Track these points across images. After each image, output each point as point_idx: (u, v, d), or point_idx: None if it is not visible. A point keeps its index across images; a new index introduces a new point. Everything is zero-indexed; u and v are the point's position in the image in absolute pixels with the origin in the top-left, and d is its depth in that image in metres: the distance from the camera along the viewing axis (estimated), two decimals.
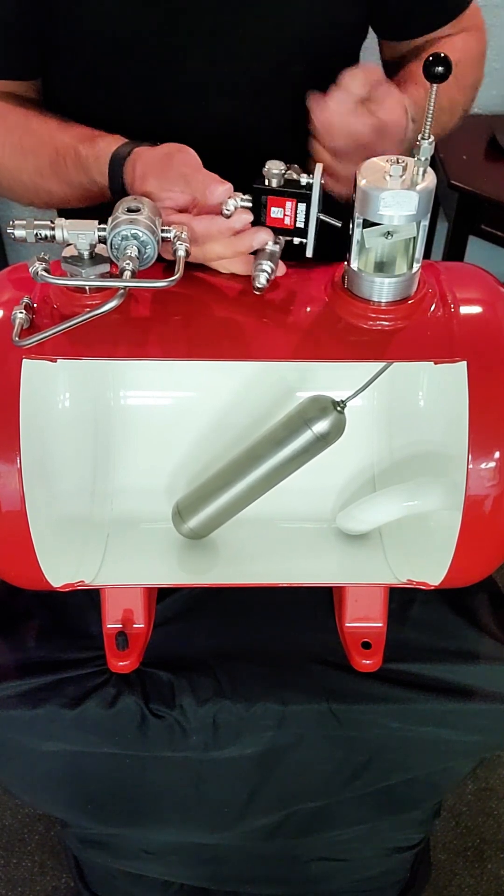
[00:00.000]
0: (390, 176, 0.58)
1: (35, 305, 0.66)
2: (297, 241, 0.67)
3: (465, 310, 0.66)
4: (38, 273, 0.63)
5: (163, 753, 0.80)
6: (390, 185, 0.58)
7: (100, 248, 0.65)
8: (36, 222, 0.64)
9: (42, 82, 0.88)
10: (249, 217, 0.65)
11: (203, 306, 0.68)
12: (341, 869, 1.06)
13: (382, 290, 0.64)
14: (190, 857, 1.03)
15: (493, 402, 0.63)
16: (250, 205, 0.65)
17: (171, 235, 0.65)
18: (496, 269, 0.76)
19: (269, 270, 0.65)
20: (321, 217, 0.65)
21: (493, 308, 0.67)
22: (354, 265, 0.64)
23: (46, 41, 0.83)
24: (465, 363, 0.63)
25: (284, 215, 0.65)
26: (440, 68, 0.54)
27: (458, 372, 0.64)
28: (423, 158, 0.58)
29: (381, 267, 0.65)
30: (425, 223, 0.61)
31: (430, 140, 0.57)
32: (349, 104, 0.69)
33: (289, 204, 0.64)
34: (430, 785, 0.91)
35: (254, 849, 1.01)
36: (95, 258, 0.64)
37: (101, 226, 0.63)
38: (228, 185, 0.66)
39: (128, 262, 0.62)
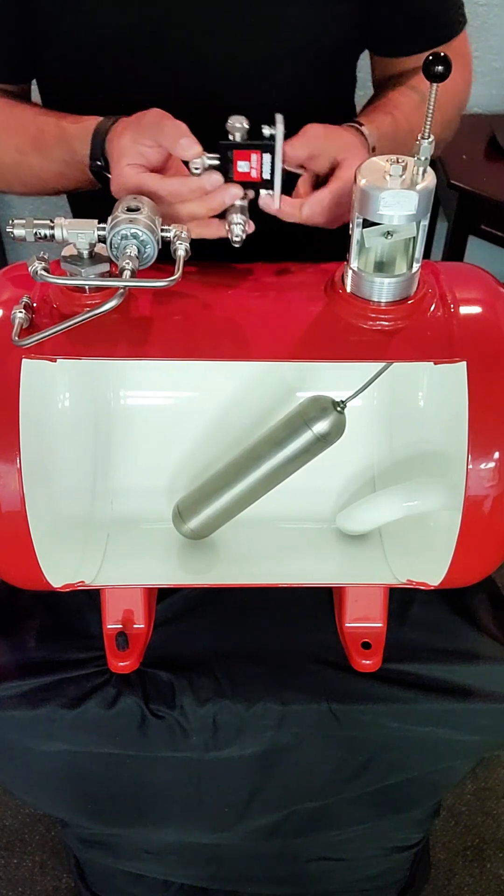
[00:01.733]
0: (390, 175, 0.58)
1: (34, 305, 0.66)
2: (264, 192, 0.68)
3: (464, 310, 0.66)
4: (37, 272, 0.63)
5: (163, 753, 0.80)
6: (390, 185, 0.58)
7: (99, 248, 0.64)
8: (35, 221, 0.64)
9: (38, 85, 0.90)
10: (220, 177, 0.66)
11: (203, 306, 0.68)
12: (341, 868, 1.06)
13: (382, 290, 0.64)
14: (190, 857, 1.03)
15: (493, 402, 0.63)
16: (217, 162, 0.66)
17: (171, 235, 0.65)
18: (496, 269, 0.76)
19: (242, 223, 0.67)
20: (286, 168, 0.67)
21: (493, 308, 0.67)
22: (354, 265, 0.64)
23: (37, 46, 0.84)
24: (464, 363, 0.63)
25: (251, 168, 0.66)
26: (440, 67, 0.54)
27: (458, 372, 0.64)
28: (422, 158, 0.58)
29: (381, 267, 0.65)
30: (425, 223, 0.61)
31: (430, 139, 0.57)
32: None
33: (254, 156, 0.65)
34: (430, 785, 0.91)
35: (254, 849, 1.01)
36: (95, 257, 0.64)
37: (101, 225, 0.63)
38: (198, 146, 0.66)
39: (127, 261, 0.62)
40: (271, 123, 0.65)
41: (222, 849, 1.01)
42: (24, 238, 0.65)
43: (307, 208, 0.70)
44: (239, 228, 0.67)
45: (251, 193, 0.68)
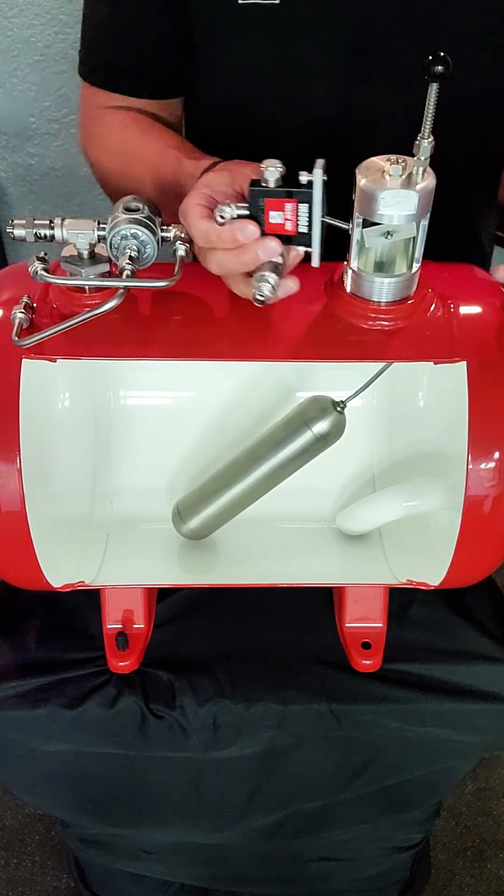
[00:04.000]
0: (390, 175, 0.58)
1: (34, 305, 0.66)
2: (301, 250, 0.61)
3: (464, 310, 0.66)
4: (37, 272, 0.63)
5: (163, 754, 0.80)
6: (390, 185, 0.58)
7: (99, 248, 0.64)
8: (35, 221, 0.64)
9: (185, 110, 0.89)
10: (256, 230, 0.58)
11: (203, 306, 0.68)
12: (341, 869, 1.06)
13: (382, 289, 0.64)
14: (190, 857, 1.03)
15: (493, 402, 0.63)
16: (247, 212, 0.59)
17: (171, 235, 0.65)
18: None
19: (273, 283, 0.58)
20: (326, 220, 0.59)
21: (493, 308, 0.67)
22: (354, 265, 0.64)
23: (186, 69, 0.83)
24: (464, 363, 0.63)
25: (285, 220, 0.59)
26: (440, 67, 0.54)
27: (458, 372, 0.64)
28: (422, 158, 0.57)
29: (381, 267, 0.64)
30: (425, 223, 0.61)
31: (430, 140, 0.57)
32: None
33: (289, 206, 0.58)
34: (430, 785, 0.91)
35: (254, 849, 1.01)
36: (95, 258, 0.64)
37: (101, 225, 0.63)
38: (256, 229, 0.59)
39: (127, 261, 0.62)
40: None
41: (222, 849, 1.01)
42: (24, 238, 0.65)
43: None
44: (266, 288, 0.58)
45: (288, 251, 0.60)
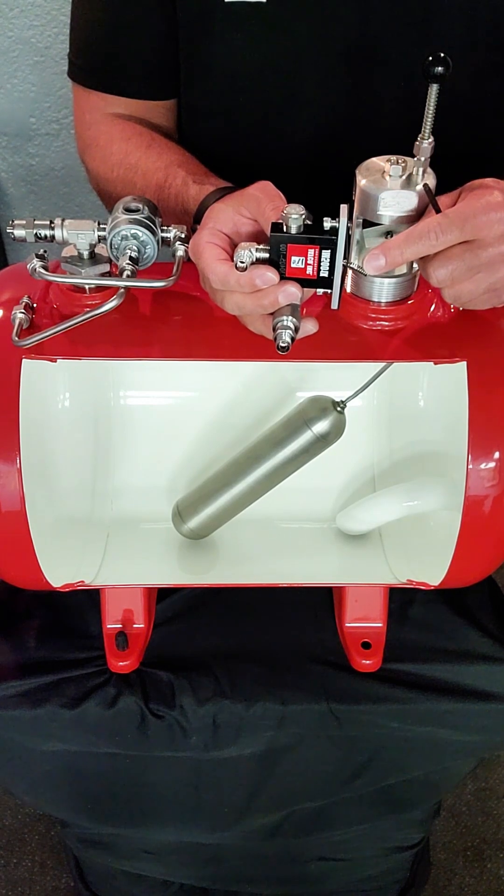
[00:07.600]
0: (390, 176, 0.58)
1: (35, 305, 0.66)
2: (320, 292, 0.61)
3: (464, 310, 0.66)
4: (35, 269, 0.63)
5: (163, 753, 0.80)
6: (390, 185, 0.58)
7: (100, 248, 0.65)
8: (36, 222, 0.64)
9: (178, 112, 0.88)
10: (275, 276, 0.58)
11: (203, 306, 0.68)
12: (341, 869, 1.06)
13: (382, 290, 0.64)
14: (190, 857, 1.03)
15: (493, 402, 0.63)
16: (265, 255, 0.59)
17: (171, 235, 0.65)
18: None
19: (293, 327, 0.58)
20: (347, 264, 0.60)
21: (493, 308, 0.67)
22: (354, 265, 0.64)
23: (178, 68, 0.83)
24: (465, 363, 0.63)
25: (306, 264, 0.58)
26: (440, 68, 0.54)
27: (458, 372, 0.64)
28: (422, 159, 0.57)
29: None
30: None
31: (430, 140, 0.57)
32: None
33: (311, 252, 0.58)
34: (430, 785, 0.91)
35: (254, 849, 1.01)
36: (95, 258, 0.64)
37: (101, 225, 0.63)
38: (276, 275, 0.58)
39: (128, 261, 0.62)
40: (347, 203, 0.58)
41: (222, 849, 1.01)
42: (24, 239, 0.65)
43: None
44: (288, 334, 0.57)
45: (304, 291, 0.60)
